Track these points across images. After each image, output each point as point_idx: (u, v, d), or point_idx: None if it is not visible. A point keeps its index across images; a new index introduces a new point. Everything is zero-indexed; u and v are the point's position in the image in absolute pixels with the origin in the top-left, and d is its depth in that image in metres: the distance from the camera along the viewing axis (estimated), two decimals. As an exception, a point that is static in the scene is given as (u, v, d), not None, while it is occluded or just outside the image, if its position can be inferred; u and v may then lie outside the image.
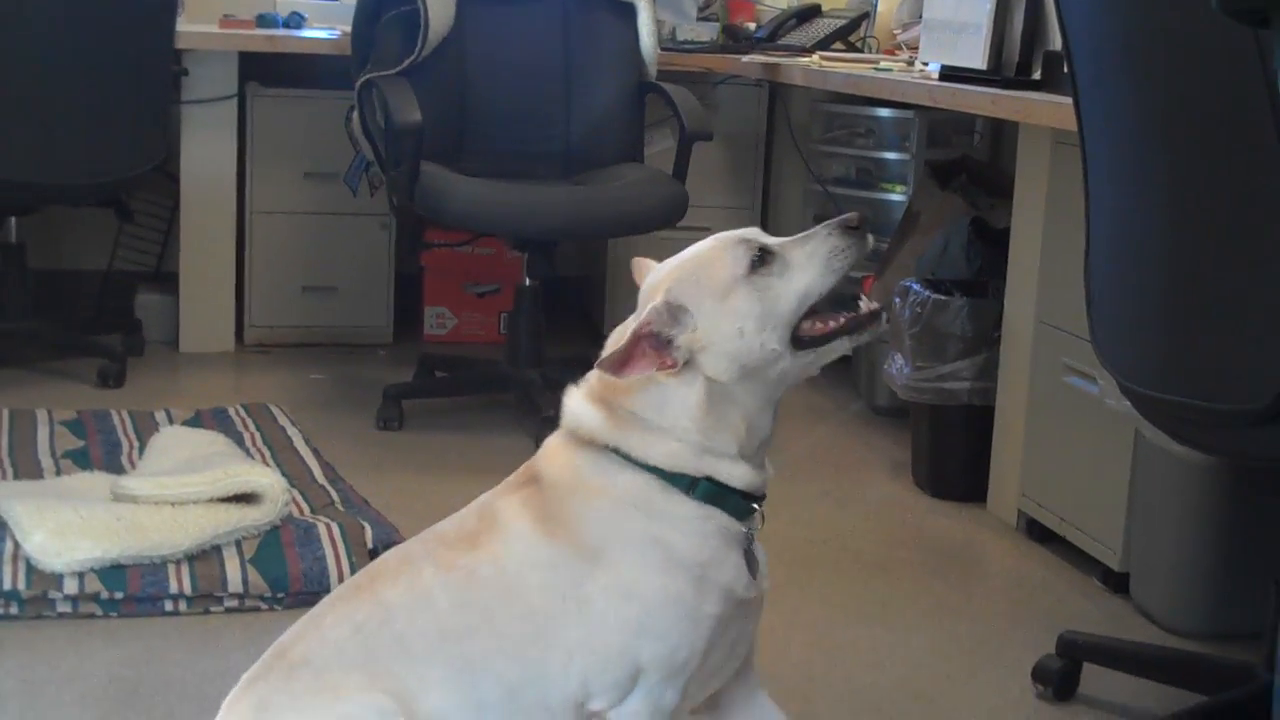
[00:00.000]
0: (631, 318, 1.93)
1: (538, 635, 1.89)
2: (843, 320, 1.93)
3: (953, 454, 3.94)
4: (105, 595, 2.94)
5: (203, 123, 5.05)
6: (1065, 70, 2.47)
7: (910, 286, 3.94)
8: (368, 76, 4.38)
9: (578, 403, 1.97)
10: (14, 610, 2.91)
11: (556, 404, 4.13)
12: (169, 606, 2.97)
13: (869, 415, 4.76)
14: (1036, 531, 3.64)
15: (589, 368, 5.15)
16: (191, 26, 4.99)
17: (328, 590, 2.99)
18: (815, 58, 4.74)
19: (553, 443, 1.99)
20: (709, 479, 1.90)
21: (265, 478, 3.21)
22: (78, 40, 4.37)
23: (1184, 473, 3.05)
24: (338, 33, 5.01)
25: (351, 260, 5.30)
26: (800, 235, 1.95)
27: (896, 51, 4.97)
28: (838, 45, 5.18)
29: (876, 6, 5.28)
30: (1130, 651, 2.83)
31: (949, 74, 3.84)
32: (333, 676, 1.90)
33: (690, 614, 1.89)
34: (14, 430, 3.94)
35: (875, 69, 4.41)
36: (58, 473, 3.60)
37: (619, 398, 1.91)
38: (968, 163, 4.76)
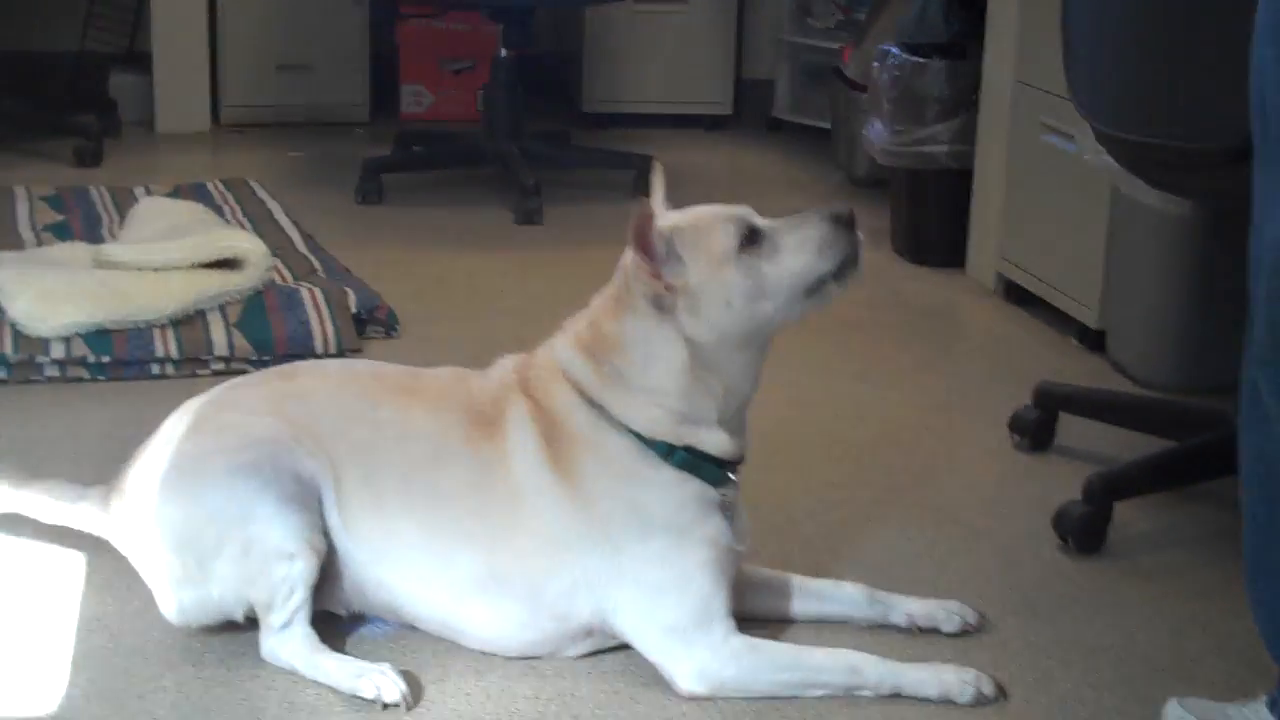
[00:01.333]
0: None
1: (539, 551, 1.97)
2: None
3: (931, 219, 3.96)
4: (92, 359, 2.96)
5: (171, -104, 4.96)
6: None
7: (889, 51, 3.92)
8: None
9: (567, 350, 2.01)
10: (2, 375, 2.93)
11: (535, 175, 4.14)
12: (155, 370, 3.00)
13: (848, 186, 4.76)
14: (1014, 294, 3.67)
15: (567, 141, 5.12)
16: None
17: (313, 353, 3.04)
18: None
19: (547, 366, 2.02)
20: (687, 448, 1.96)
21: (247, 243, 3.21)
22: None
23: (1160, 226, 3.07)
24: None
25: (326, 37, 5.24)
26: (793, 218, 1.97)
27: None
28: None
29: None
30: (1105, 400, 2.87)
31: None
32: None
33: (682, 570, 1.96)
34: (-8, 205, 3.94)
35: None
36: (39, 244, 3.60)
37: (607, 353, 1.97)
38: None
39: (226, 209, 3.99)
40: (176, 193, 4.11)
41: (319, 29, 5.22)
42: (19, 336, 2.95)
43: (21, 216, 3.86)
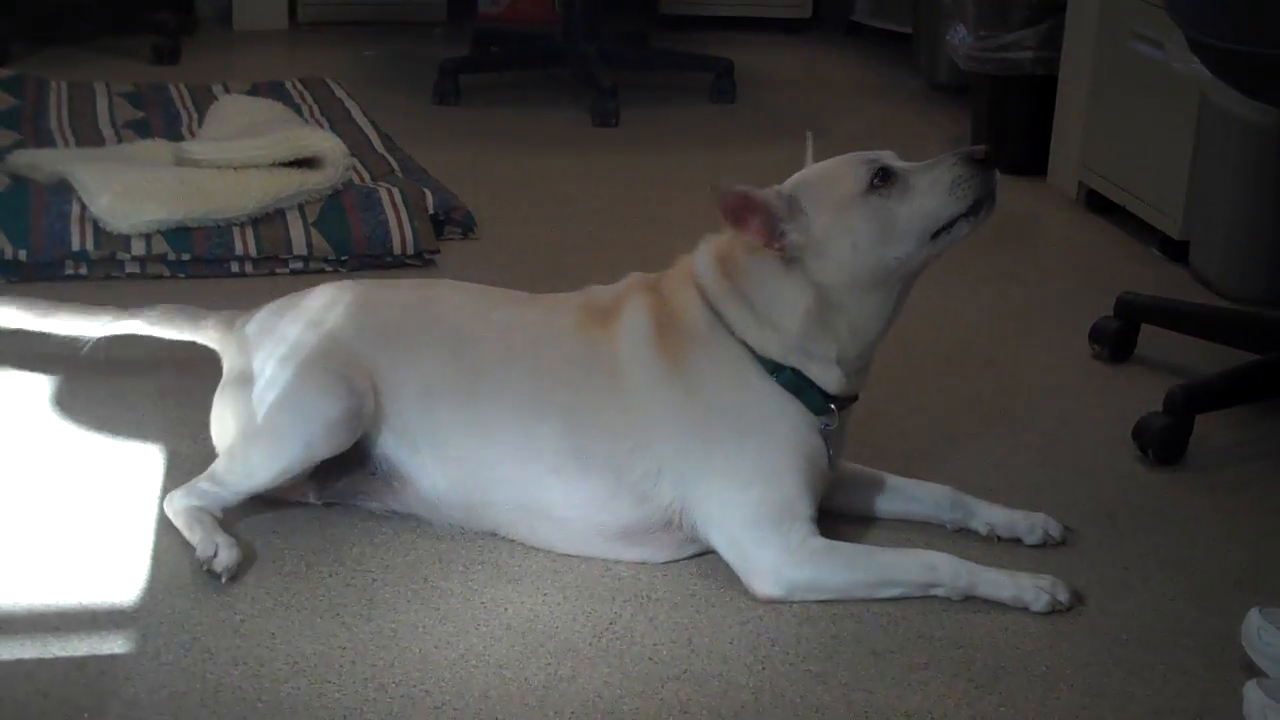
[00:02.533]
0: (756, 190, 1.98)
1: (631, 432, 2.00)
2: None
3: (1013, 126, 3.91)
4: (172, 256, 2.98)
5: None
6: None
7: (975, -45, 3.86)
8: None
9: (705, 257, 2.04)
10: (84, 270, 2.95)
11: (612, 77, 4.12)
12: (235, 268, 3.01)
13: (928, 92, 4.71)
14: (1097, 202, 3.62)
15: (645, 43, 5.10)
16: None
17: (390, 253, 3.05)
18: None
19: (682, 270, 2.06)
20: (795, 370, 1.98)
21: (326, 142, 3.21)
22: None
23: (1247, 136, 3.02)
24: None
25: (404, -65, 5.22)
26: (927, 161, 1.97)
27: None
28: None
29: None
30: (1187, 311, 2.84)
31: None
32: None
33: (773, 468, 1.97)
34: (73, 101, 3.94)
35: None
36: (119, 142, 3.61)
37: (738, 277, 1.99)
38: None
39: (304, 108, 3.99)
40: (255, 91, 4.11)
41: (397, -74, 5.20)
42: (100, 233, 2.97)
43: (102, 113, 3.87)
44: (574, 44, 4.42)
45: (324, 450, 2.04)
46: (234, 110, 3.57)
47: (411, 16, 5.28)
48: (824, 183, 1.97)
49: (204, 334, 2.27)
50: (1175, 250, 3.31)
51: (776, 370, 1.98)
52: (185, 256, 2.98)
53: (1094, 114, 3.61)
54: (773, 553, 1.95)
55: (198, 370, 2.33)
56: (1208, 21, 2.37)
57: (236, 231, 3.03)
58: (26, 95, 3.91)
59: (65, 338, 2.37)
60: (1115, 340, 2.81)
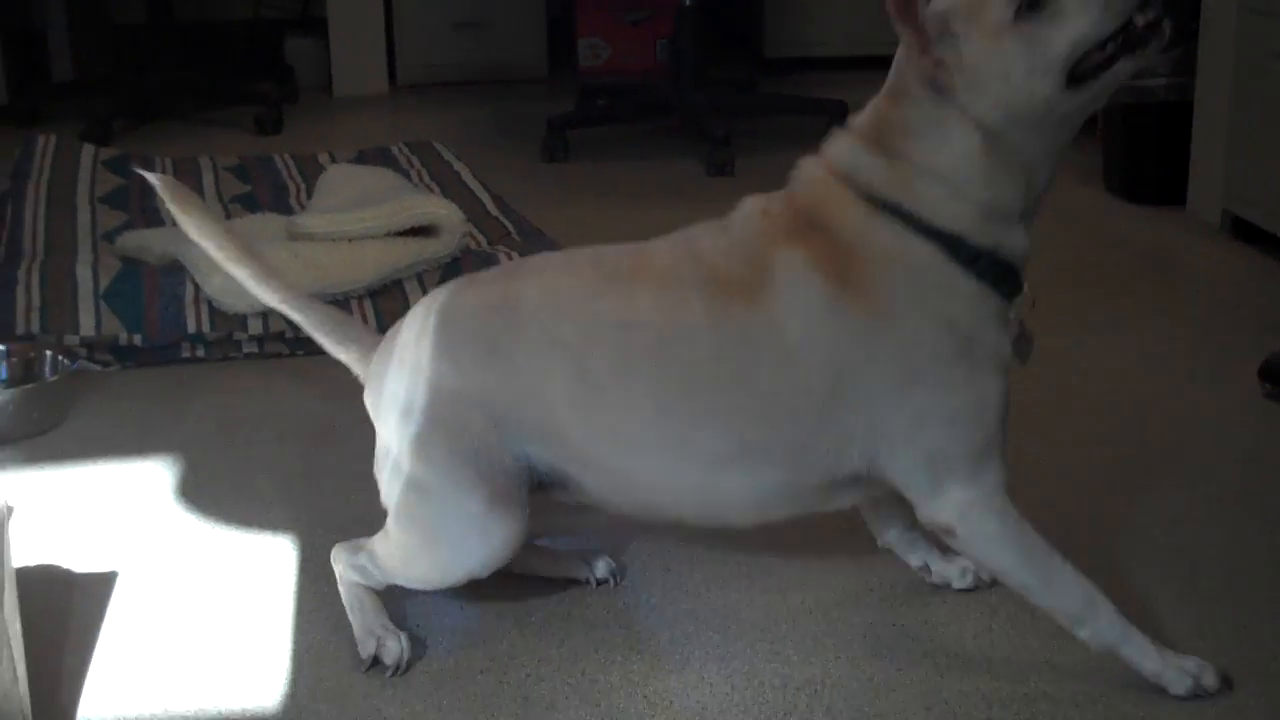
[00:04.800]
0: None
1: (814, 411, 1.77)
2: (1120, 40, 1.68)
3: (1148, 155, 3.76)
4: (291, 334, 2.88)
5: None
6: None
7: (1099, -22, 3.71)
8: None
9: (851, 148, 1.79)
10: (200, 353, 2.87)
11: (724, 125, 4.02)
12: (355, 343, 2.91)
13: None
14: (1243, 231, 3.47)
15: (754, 89, 5.01)
16: None
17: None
18: None
19: (821, 180, 1.80)
20: (992, 254, 1.75)
21: (442, 209, 3.11)
22: None
23: None
24: None
25: (501, -7, 5.15)
26: None
27: None
28: None
29: None
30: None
31: None
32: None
33: (979, 396, 1.76)
34: (179, 177, 3.86)
35: None
36: (228, 217, 3.53)
37: (896, 141, 1.75)
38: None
39: (413, 173, 3.91)
40: (361, 158, 4.04)
41: (494, -15, 5.13)
42: (215, 314, 2.88)
43: (208, 188, 3.80)
44: (682, 93, 4.31)
45: (494, 565, 1.89)
46: (343, 180, 3.49)
47: (513, 74, 5.21)
48: (971, 6, 1.72)
49: (347, 356, 2.09)
50: (1334, 278, 3.14)
51: (975, 258, 1.74)
52: (303, 333, 2.88)
53: (1235, 138, 3.45)
54: (970, 493, 1.77)
55: (326, 444, 2.23)
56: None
57: (354, 305, 2.94)
58: (133, 175, 3.85)
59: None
60: (1287, 377, 2.64)
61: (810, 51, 5.26)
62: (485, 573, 1.89)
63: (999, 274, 1.76)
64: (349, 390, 2.14)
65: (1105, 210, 3.73)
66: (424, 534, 1.88)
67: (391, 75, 5.11)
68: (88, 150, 4.02)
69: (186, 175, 3.91)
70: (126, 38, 5.12)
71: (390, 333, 2.00)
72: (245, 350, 2.89)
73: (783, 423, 1.79)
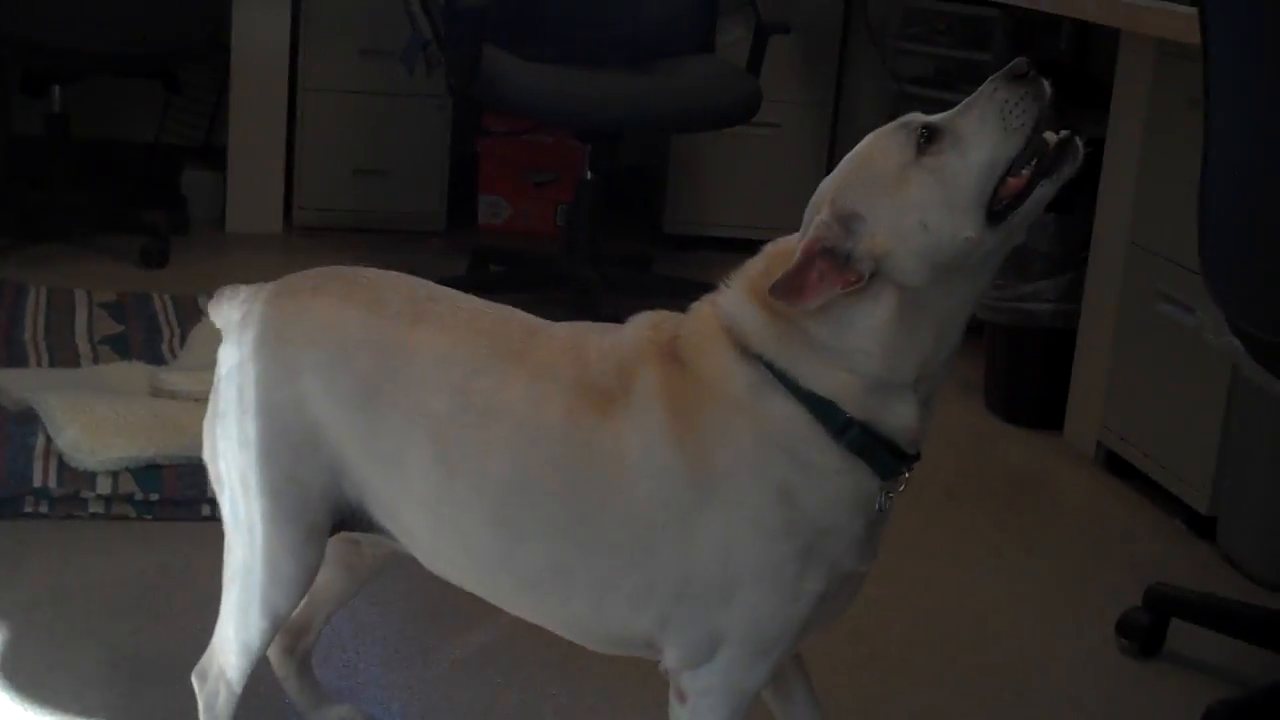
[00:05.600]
0: (796, 235, 1.67)
1: (626, 546, 1.68)
2: (1033, 163, 1.62)
3: (1030, 378, 3.76)
4: (140, 497, 2.80)
5: (257, -7, 4.86)
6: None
7: (994, 199, 3.73)
8: (430, -49, 4.18)
9: (737, 299, 1.68)
10: (44, 509, 2.77)
11: (613, 304, 3.97)
12: (205, 511, 2.82)
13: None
14: (1117, 466, 3.46)
15: (649, 267, 4.98)
16: (246, -109, 4.78)
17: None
18: (900, -50, 4.50)
19: (706, 321, 1.71)
20: (864, 425, 1.64)
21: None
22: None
23: (1287, 416, 2.87)
24: (399, -96, 4.80)
25: (405, 143, 5.11)
26: (963, 103, 1.66)
27: (984, -54, 4.73)
28: (922, -63, 4.93)
29: (965, -103, 5.02)
30: (1225, 609, 2.65)
31: (1048, -26, 3.61)
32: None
33: (790, 588, 1.67)
34: (51, 311, 3.79)
35: (964, -35, 4.18)
36: (95, 359, 3.45)
37: (794, 314, 1.64)
38: (1054, 67, 4.52)
39: (293, 326, 3.84)
40: (242, 306, 3.96)
41: (399, 133, 5.09)
42: (64, 469, 2.80)
43: (80, 324, 3.72)
44: (576, 267, 4.28)
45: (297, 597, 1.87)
46: (217, 334, 3.41)
47: (410, 225, 5.17)
48: (866, 170, 1.63)
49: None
50: (1203, 526, 3.13)
51: (844, 429, 1.63)
52: (154, 497, 2.80)
53: (1115, 373, 3.46)
54: (722, 679, 1.70)
55: (161, 622, 2.15)
56: (1256, 312, 2.22)
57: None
58: (4, 302, 3.77)
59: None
60: (1145, 635, 2.62)
61: (709, 230, 5.26)
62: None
63: (872, 448, 1.65)
64: (194, 562, 2.07)
65: (983, 428, 3.73)
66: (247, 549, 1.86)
67: (287, 215, 5.06)
68: (-41, 273, 3.93)
69: (60, 308, 3.81)
70: (19, 152, 5.03)
71: (243, 308, 1.93)
72: (91, 510, 2.79)
73: (599, 550, 1.70)
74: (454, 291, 1.86)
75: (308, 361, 1.79)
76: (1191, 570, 2.99)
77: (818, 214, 1.65)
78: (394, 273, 1.89)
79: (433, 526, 1.79)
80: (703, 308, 1.73)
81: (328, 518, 1.83)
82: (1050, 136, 1.64)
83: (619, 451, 1.67)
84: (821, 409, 1.63)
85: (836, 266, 1.60)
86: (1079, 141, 1.64)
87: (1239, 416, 3.00)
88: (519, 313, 1.84)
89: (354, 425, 1.78)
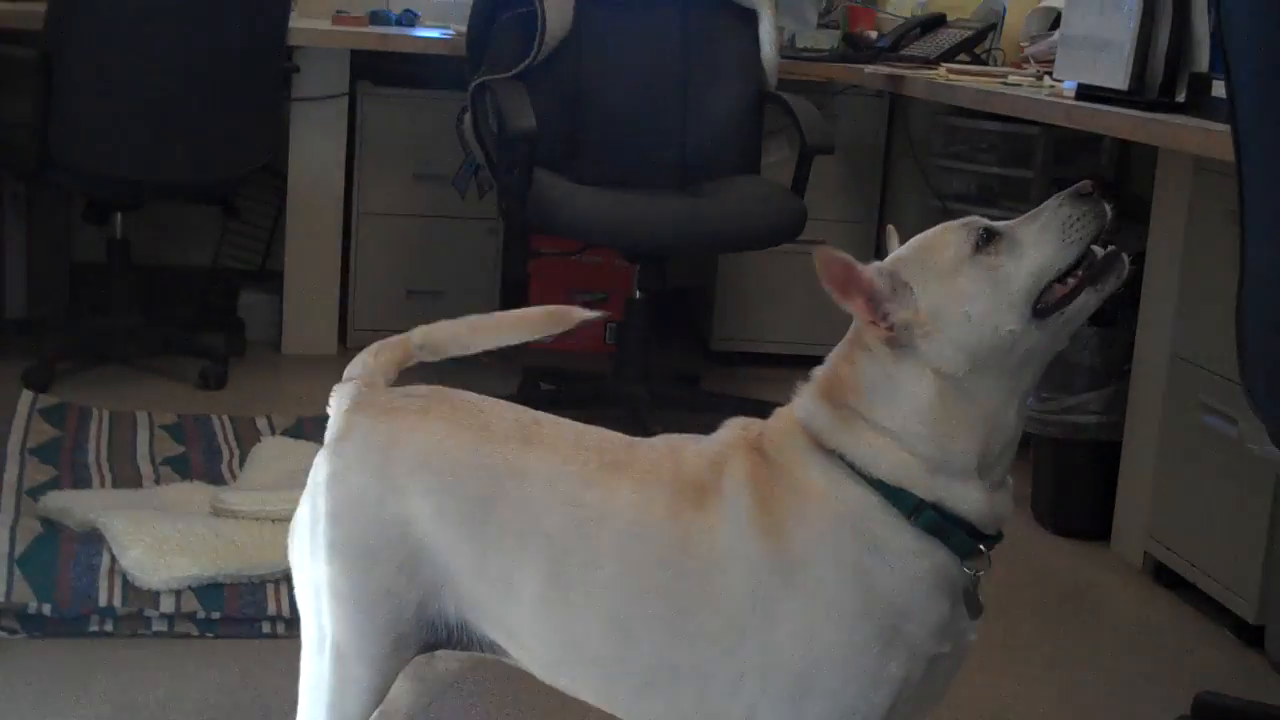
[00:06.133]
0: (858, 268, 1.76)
1: (720, 634, 1.74)
2: (1080, 274, 1.71)
3: (1077, 490, 3.79)
4: (202, 615, 2.86)
5: (312, 121, 4.97)
6: (1219, 93, 2.33)
7: (1037, 314, 3.78)
8: (482, 79, 4.29)
9: (808, 400, 1.79)
10: (109, 627, 2.83)
11: (663, 421, 4.03)
12: (266, 629, 2.88)
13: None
14: (1164, 576, 3.48)
15: (697, 385, 5.02)
16: (304, 23, 4.91)
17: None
18: (942, 70, 4.58)
19: (785, 419, 1.80)
20: (935, 506, 1.71)
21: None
22: (189, 35, 4.30)
23: (1331, 526, 2.89)
24: (451, 31, 4.93)
25: (458, 264, 5.20)
26: (1030, 213, 1.76)
27: (1024, 65, 4.81)
28: (962, 57, 5.01)
29: (1004, 18, 5.12)
30: (1271, 717, 2.67)
31: (1086, 93, 3.68)
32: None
33: (871, 674, 1.71)
34: (113, 433, 3.87)
35: (1004, 84, 4.26)
36: (156, 480, 3.52)
37: (846, 395, 1.74)
38: (1096, 182, 4.59)
39: (349, 446, 3.90)
40: (300, 427, 4.03)
41: (451, 255, 5.19)
42: (128, 587, 2.86)
43: (142, 446, 3.79)
44: (625, 385, 4.35)
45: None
46: (277, 454, 3.50)
47: (462, 344, 5.24)
48: (926, 253, 1.73)
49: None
50: (1251, 635, 3.15)
51: (917, 510, 1.70)
52: (215, 615, 2.86)
53: (1161, 484, 3.49)
54: None
55: None
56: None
57: (270, 589, 2.92)
58: (68, 426, 3.85)
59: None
60: (1195, 744, 2.64)
61: (756, 347, 5.32)
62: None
63: (947, 528, 1.71)
64: (256, 677, 2.12)
65: (1032, 540, 3.76)
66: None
67: (342, 336, 5.15)
68: (25, 397, 4.02)
69: (122, 431, 3.90)
70: (83, 278, 5.15)
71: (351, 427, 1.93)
72: (154, 628, 2.85)
73: (698, 641, 1.75)
74: (552, 415, 1.93)
75: (418, 484, 1.84)
76: (1240, 679, 3.00)
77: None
78: (491, 398, 1.96)
79: (547, 636, 1.83)
80: (783, 409, 1.82)
81: (417, 633, 1.88)
82: (1098, 250, 1.73)
83: (712, 543, 1.75)
84: (892, 493, 1.71)
85: (874, 307, 1.72)
86: (1125, 257, 1.73)
87: (1284, 526, 3.03)
88: (615, 432, 1.92)
89: (463, 546, 1.83)
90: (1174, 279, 3.47)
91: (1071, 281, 1.71)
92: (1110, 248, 1.73)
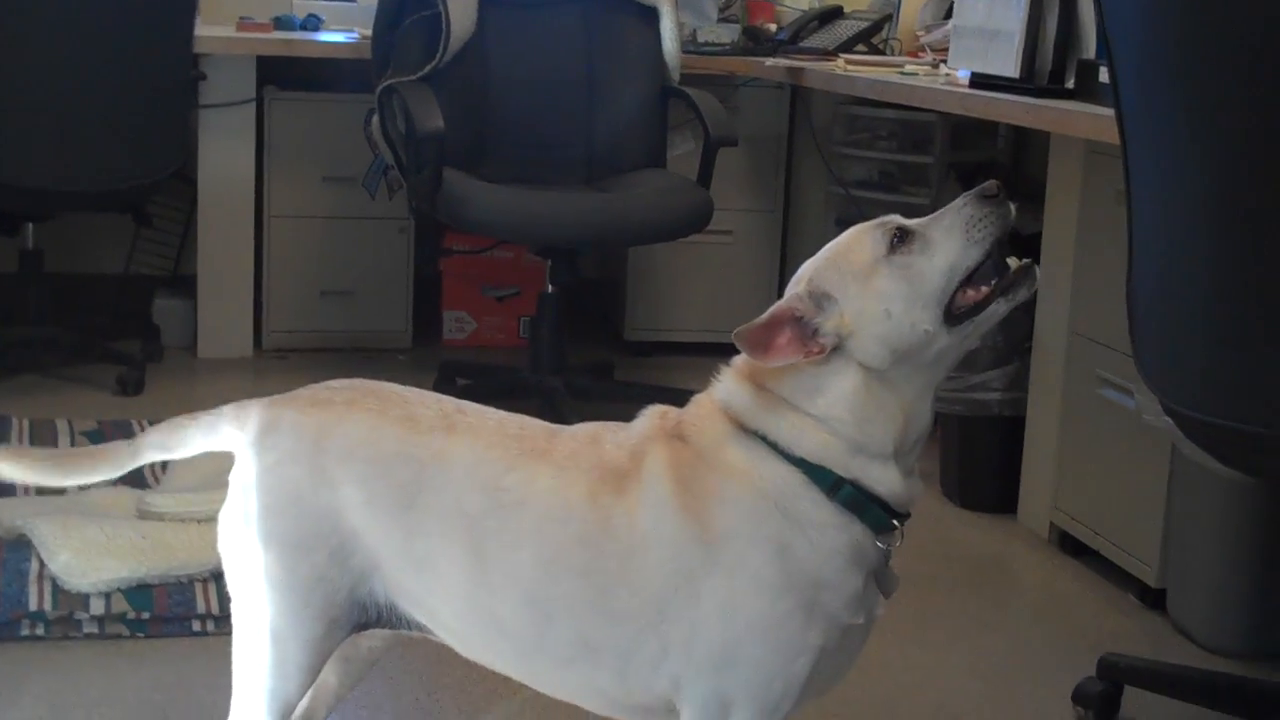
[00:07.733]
0: (773, 308, 1.84)
1: (642, 613, 1.82)
2: (994, 282, 1.81)
3: (983, 464, 3.90)
4: (132, 615, 2.90)
5: (221, 127, 5.00)
6: (1105, 79, 2.42)
7: (939, 295, 3.89)
8: (389, 82, 4.34)
9: (729, 383, 1.87)
10: (40, 631, 2.87)
11: (579, 411, 4.10)
12: (196, 627, 2.93)
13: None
14: (1069, 545, 3.60)
15: (611, 375, 5.10)
16: (209, 30, 4.93)
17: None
18: (840, 61, 4.69)
19: (704, 405, 1.88)
20: (854, 483, 1.81)
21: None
22: (94, 45, 4.32)
23: (1224, 490, 3.01)
24: (355, 35, 4.98)
25: (370, 264, 5.25)
26: (937, 212, 1.85)
27: (920, 54, 4.92)
28: (860, 47, 5.12)
29: (899, 8, 5.23)
30: (1174, 675, 2.78)
31: (979, 81, 3.79)
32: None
33: (792, 645, 1.80)
34: (34, 441, 3.90)
35: (901, 73, 4.36)
36: (80, 487, 3.54)
37: (768, 380, 1.83)
38: (993, 167, 4.71)
39: (269, 446, 3.95)
40: (219, 429, 4.07)
41: (363, 255, 5.24)
42: (58, 591, 2.90)
43: (63, 454, 3.82)
44: (541, 377, 4.42)
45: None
46: (197, 456, 3.52)
47: (377, 343, 5.30)
48: (841, 258, 1.83)
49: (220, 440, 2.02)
50: (1153, 598, 3.27)
51: (836, 487, 1.79)
52: (145, 615, 2.90)
53: (1064, 457, 3.61)
54: None
55: None
56: (1179, 390, 2.37)
57: (199, 588, 2.97)
58: (-13, 436, 3.87)
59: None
60: (1099, 703, 2.74)
61: (668, 336, 5.41)
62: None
63: (864, 504, 1.80)
64: (186, 676, 2.17)
65: (941, 515, 3.86)
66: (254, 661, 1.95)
67: (257, 338, 5.18)
68: (-58, 409, 4.04)
69: (43, 439, 3.93)
70: (-5, 288, 5.17)
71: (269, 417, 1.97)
72: (85, 630, 2.89)
73: (619, 620, 1.83)
74: (477, 404, 2.00)
75: (349, 473, 1.91)
76: (1145, 641, 3.11)
77: (795, 288, 1.84)
78: (415, 389, 2.03)
79: (469, 616, 1.91)
80: (701, 396, 1.91)
81: (349, 615, 1.95)
82: (1013, 262, 1.83)
83: (632, 525, 1.82)
84: (813, 470, 1.80)
85: (802, 336, 1.80)
86: (1037, 271, 1.83)
87: (1181, 492, 3.14)
88: (538, 420, 1.99)
89: (392, 531, 1.90)
90: (1069, 258, 3.59)
91: (985, 289, 1.81)
92: (1024, 261, 1.84)
